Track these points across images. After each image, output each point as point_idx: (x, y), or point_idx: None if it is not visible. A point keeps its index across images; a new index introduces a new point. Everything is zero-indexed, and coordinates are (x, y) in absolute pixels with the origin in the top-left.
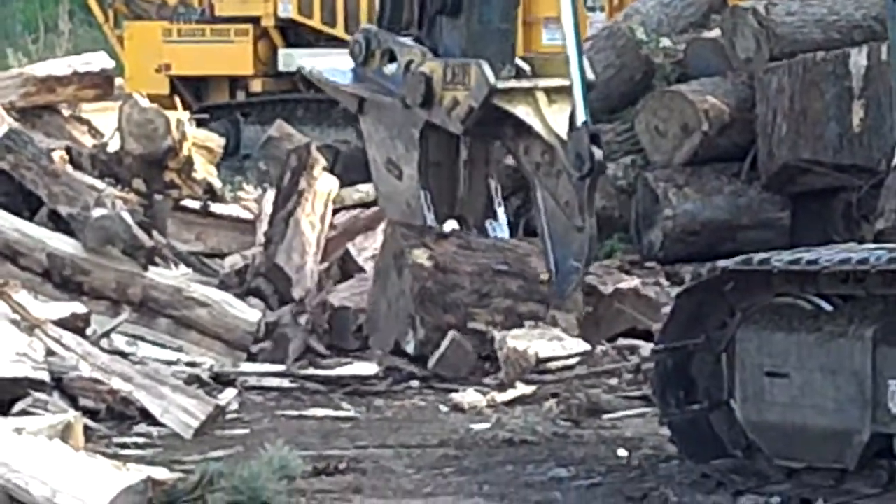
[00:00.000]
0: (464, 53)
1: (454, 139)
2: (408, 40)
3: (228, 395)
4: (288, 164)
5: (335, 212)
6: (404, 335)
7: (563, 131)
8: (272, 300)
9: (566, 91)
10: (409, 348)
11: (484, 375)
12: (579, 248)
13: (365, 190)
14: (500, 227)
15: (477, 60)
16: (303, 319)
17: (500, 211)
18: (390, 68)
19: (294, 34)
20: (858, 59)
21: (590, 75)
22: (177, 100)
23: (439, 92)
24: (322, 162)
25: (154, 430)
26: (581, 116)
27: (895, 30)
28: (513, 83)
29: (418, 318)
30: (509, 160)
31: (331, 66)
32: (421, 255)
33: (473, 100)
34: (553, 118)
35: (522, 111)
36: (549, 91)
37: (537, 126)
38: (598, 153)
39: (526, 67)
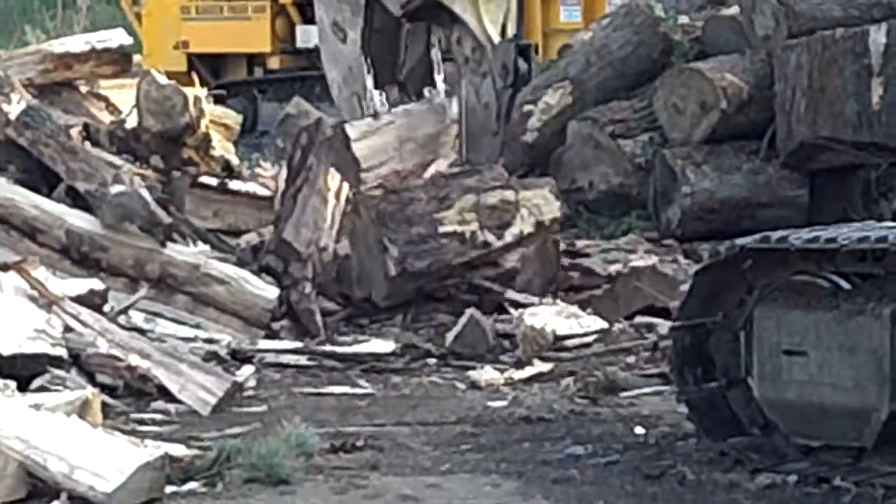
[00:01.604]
0: None
1: None
2: None
3: (246, 372)
4: (298, 141)
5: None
6: (383, 265)
7: (495, 33)
8: (283, 277)
9: None
10: (391, 270)
11: (501, 353)
12: (490, 151)
13: None
14: (437, 95)
15: None
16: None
17: (439, 79)
18: None
19: (312, 10)
20: (877, 36)
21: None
22: (194, 77)
23: None
24: None
25: (171, 407)
26: (511, 29)
27: None
28: None
29: (386, 239)
30: None
31: None
32: (370, 189)
33: None
34: (488, 18)
35: (459, 6)
36: None
37: (472, 23)
38: (524, 66)
39: None
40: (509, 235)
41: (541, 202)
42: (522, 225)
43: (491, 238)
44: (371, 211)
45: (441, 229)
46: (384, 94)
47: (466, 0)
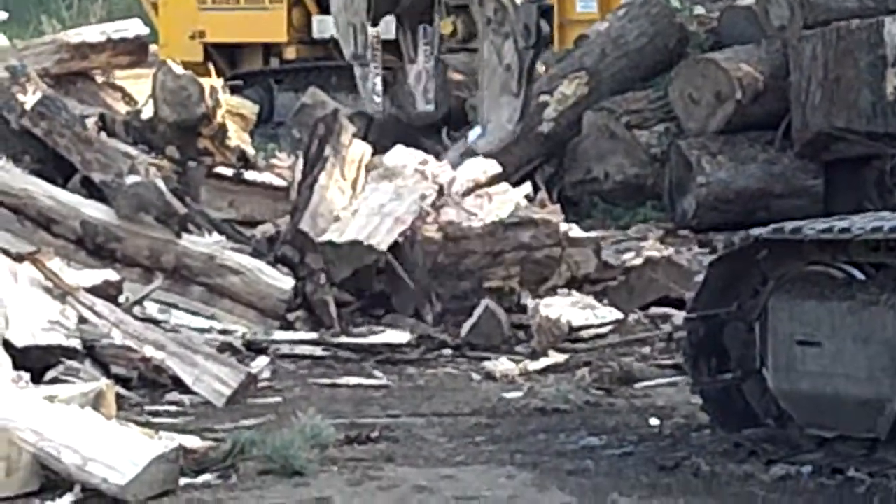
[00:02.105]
0: None
1: None
2: None
3: (261, 364)
4: (315, 131)
5: None
6: (423, 306)
7: None
8: (299, 268)
9: None
10: (428, 320)
11: (516, 344)
12: (511, 111)
13: None
14: (430, 33)
15: None
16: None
17: (437, 18)
18: None
19: (328, 1)
20: (892, 27)
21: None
22: (211, 67)
23: None
24: (351, 129)
25: (186, 399)
26: None
27: None
28: None
29: (433, 293)
30: None
31: None
32: (430, 229)
33: None
34: None
35: None
36: None
37: None
38: (546, 28)
39: None
40: (542, 290)
41: (580, 259)
42: (557, 280)
43: (524, 295)
44: (428, 259)
45: (486, 284)
46: (377, 30)
47: None
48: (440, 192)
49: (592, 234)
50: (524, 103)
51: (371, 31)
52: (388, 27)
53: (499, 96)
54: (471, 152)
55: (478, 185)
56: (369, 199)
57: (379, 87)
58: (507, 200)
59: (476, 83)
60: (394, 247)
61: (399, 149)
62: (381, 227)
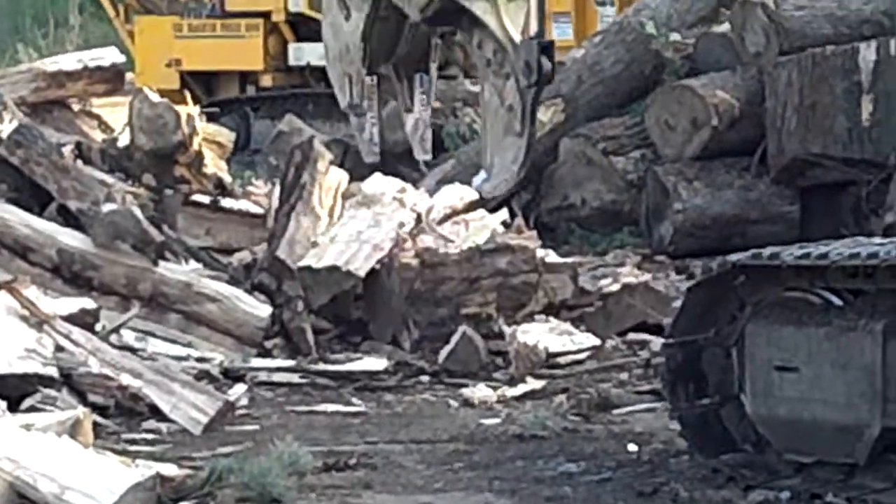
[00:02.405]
0: None
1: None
2: None
3: (238, 391)
4: (291, 159)
5: None
6: (400, 333)
7: (516, 34)
8: (276, 295)
9: None
10: (406, 346)
11: (494, 370)
12: (516, 152)
13: None
14: (427, 81)
15: None
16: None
17: (433, 67)
18: None
19: (305, 28)
20: (867, 53)
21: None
22: (187, 95)
23: None
24: (328, 156)
25: (163, 427)
26: (534, 27)
27: None
28: None
29: (411, 320)
30: None
31: None
32: (406, 255)
33: None
34: (509, 19)
35: (480, 7)
36: None
37: (492, 24)
38: (547, 65)
39: None
40: (519, 316)
41: (557, 285)
42: (535, 306)
43: (501, 321)
44: (405, 286)
45: (463, 310)
46: (373, 81)
47: (486, 2)
48: (418, 219)
49: (569, 260)
50: (528, 142)
51: (367, 80)
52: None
53: (502, 138)
54: (448, 179)
55: (455, 212)
56: (347, 226)
57: (376, 138)
58: (484, 227)
59: (453, 111)
60: (371, 273)
61: (377, 176)
62: (360, 253)
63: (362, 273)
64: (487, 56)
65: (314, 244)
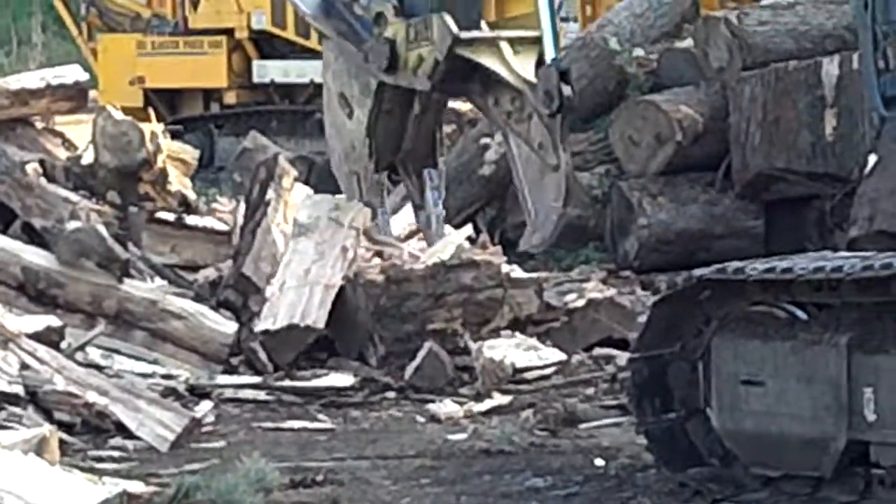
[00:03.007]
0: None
1: (410, 94)
2: None
3: (204, 408)
4: (256, 176)
5: None
6: (366, 349)
7: (530, 76)
8: (242, 312)
9: (529, 41)
10: (372, 362)
11: (460, 386)
12: (557, 187)
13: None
14: (436, 176)
15: (439, 14)
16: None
17: (441, 161)
18: (362, 3)
19: (268, 46)
20: (830, 68)
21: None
22: (151, 112)
23: (404, 54)
24: (292, 173)
25: (130, 444)
26: (550, 54)
27: (866, 39)
28: (476, 33)
29: (377, 336)
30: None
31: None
32: (372, 271)
33: (438, 52)
34: (519, 65)
35: (487, 60)
36: (512, 41)
37: (504, 73)
38: (567, 90)
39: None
40: (484, 331)
41: (523, 300)
42: (500, 321)
43: (467, 337)
44: (370, 302)
45: (429, 326)
46: (381, 177)
47: (493, 53)
48: (359, 235)
49: (534, 275)
50: (567, 174)
51: (375, 176)
52: None
53: (540, 179)
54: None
55: (420, 228)
56: (292, 266)
57: (391, 228)
58: (449, 243)
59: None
60: (341, 289)
61: (309, 199)
62: (313, 299)
63: (321, 324)
64: (507, 109)
65: (264, 300)
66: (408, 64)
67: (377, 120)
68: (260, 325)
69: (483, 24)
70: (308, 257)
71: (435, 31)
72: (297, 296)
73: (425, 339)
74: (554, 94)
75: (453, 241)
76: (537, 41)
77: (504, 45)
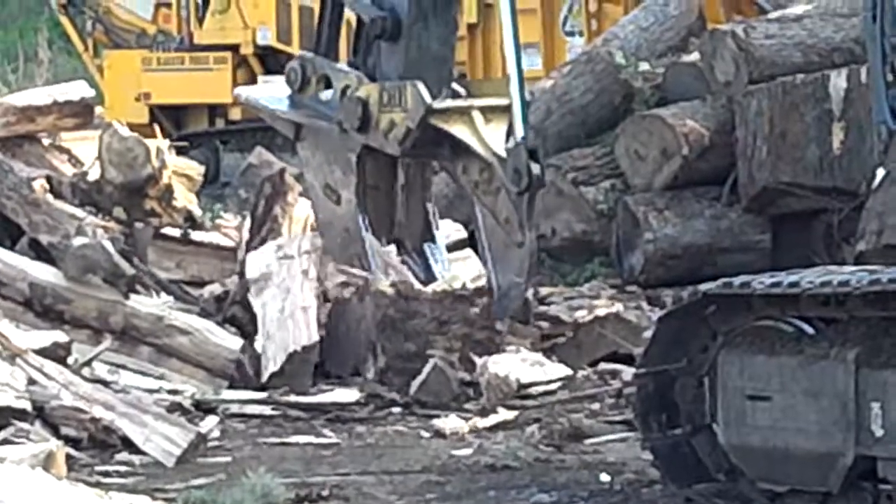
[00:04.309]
0: (401, 77)
1: (391, 162)
2: (343, 66)
3: (210, 423)
4: (262, 191)
5: None
6: (364, 361)
7: (500, 148)
8: (249, 327)
9: (501, 110)
10: (369, 375)
11: (465, 401)
12: (520, 264)
13: None
14: (437, 251)
15: (413, 81)
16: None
17: (438, 234)
18: (326, 94)
19: (273, 61)
20: (838, 81)
21: (527, 95)
22: (156, 128)
23: (376, 115)
24: (297, 188)
25: (136, 459)
26: (520, 132)
27: (874, 52)
28: (448, 103)
29: (379, 346)
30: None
31: (268, 93)
32: (383, 282)
33: (410, 121)
34: (490, 136)
35: (459, 130)
36: (484, 110)
37: (474, 144)
38: (536, 168)
39: (462, 91)
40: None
41: (520, 343)
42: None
43: (463, 373)
44: (378, 311)
45: (429, 351)
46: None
47: (465, 123)
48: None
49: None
50: (531, 251)
51: (377, 251)
52: None
53: (504, 253)
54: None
55: None
56: (268, 316)
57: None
58: (455, 277)
59: None
60: (335, 302)
61: (251, 255)
62: (298, 324)
63: (316, 336)
64: (474, 178)
65: (256, 356)
66: (379, 125)
67: (365, 195)
68: (265, 375)
69: (454, 85)
70: (277, 300)
71: (409, 99)
72: (282, 332)
73: (425, 362)
74: (523, 172)
75: (475, 264)
76: (509, 109)
77: (476, 115)
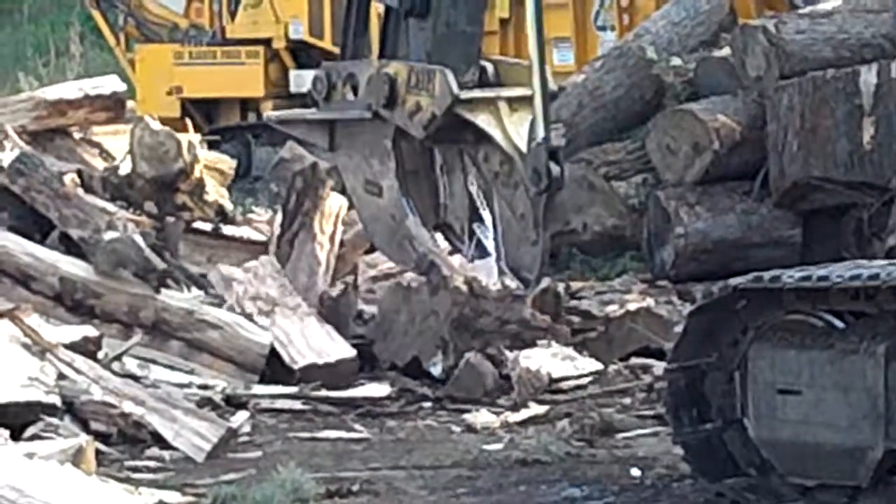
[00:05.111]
0: (428, 56)
1: (426, 146)
2: (366, 60)
3: (241, 418)
4: (293, 185)
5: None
6: (430, 356)
7: (522, 143)
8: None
9: (528, 101)
10: (435, 371)
11: (497, 396)
12: (531, 261)
13: None
14: (486, 230)
15: (441, 68)
16: None
17: (486, 214)
18: (353, 96)
19: (305, 55)
20: (868, 76)
21: (552, 86)
22: (188, 122)
23: (402, 94)
24: (329, 182)
25: (166, 454)
26: (540, 133)
27: None
28: (476, 93)
29: (451, 344)
30: None
31: (297, 112)
32: (459, 279)
33: (437, 108)
34: (514, 129)
35: (483, 120)
36: (511, 101)
37: (497, 137)
38: (556, 170)
39: (490, 69)
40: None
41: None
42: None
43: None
44: (456, 309)
45: (488, 350)
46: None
47: (490, 113)
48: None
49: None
50: (543, 250)
51: (423, 234)
52: None
53: (517, 248)
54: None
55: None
56: (288, 331)
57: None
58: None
59: None
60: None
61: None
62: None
63: (349, 348)
64: (495, 169)
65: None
66: (405, 105)
67: (406, 181)
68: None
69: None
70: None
71: (437, 86)
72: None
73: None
74: (542, 174)
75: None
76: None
77: (502, 105)
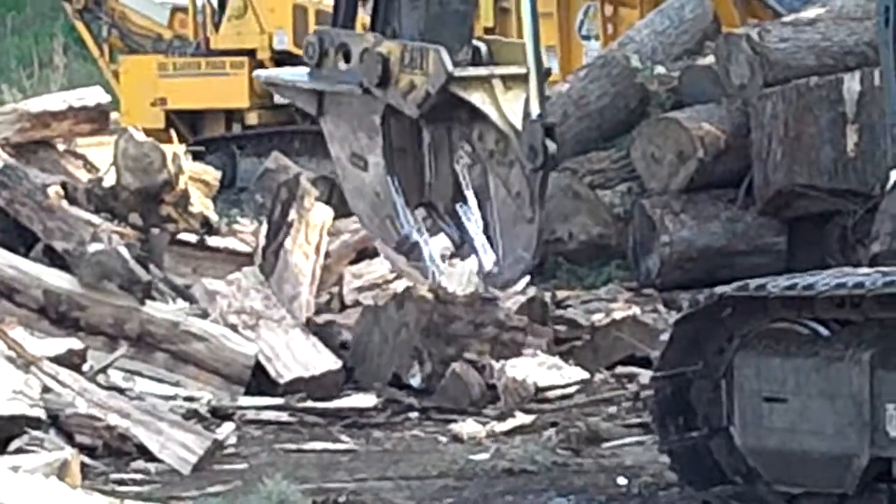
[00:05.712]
0: (422, 35)
1: (416, 123)
2: (360, 32)
3: (226, 430)
4: (278, 196)
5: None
6: (408, 369)
7: (517, 121)
8: None
9: (522, 78)
10: (415, 382)
11: (483, 405)
12: (527, 239)
13: None
14: (469, 211)
15: (436, 47)
16: None
17: (470, 194)
18: (345, 65)
19: (290, 65)
20: (852, 84)
21: (546, 64)
22: (172, 133)
23: (396, 73)
24: (314, 193)
25: (152, 466)
26: (535, 109)
27: (887, 55)
28: (470, 71)
29: (425, 352)
30: None
31: (287, 73)
32: (422, 288)
33: (430, 86)
34: (508, 107)
35: (478, 98)
36: (505, 78)
37: (492, 114)
38: (552, 146)
39: (483, 49)
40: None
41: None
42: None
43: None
44: (423, 317)
45: (466, 354)
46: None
47: (484, 91)
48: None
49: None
50: (539, 228)
51: (408, 216)
52: None
53: (512, 226)
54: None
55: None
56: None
57: (437, 258)
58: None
59: None
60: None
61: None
62: (305, 344)
63: (334, 363)
64: (490, 147)
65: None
66: (399, 84)
67: (391, 157)
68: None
69: (475, 42)
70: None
71: (431, 64)
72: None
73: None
74: (538, 150)
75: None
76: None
77: (496, 83)
